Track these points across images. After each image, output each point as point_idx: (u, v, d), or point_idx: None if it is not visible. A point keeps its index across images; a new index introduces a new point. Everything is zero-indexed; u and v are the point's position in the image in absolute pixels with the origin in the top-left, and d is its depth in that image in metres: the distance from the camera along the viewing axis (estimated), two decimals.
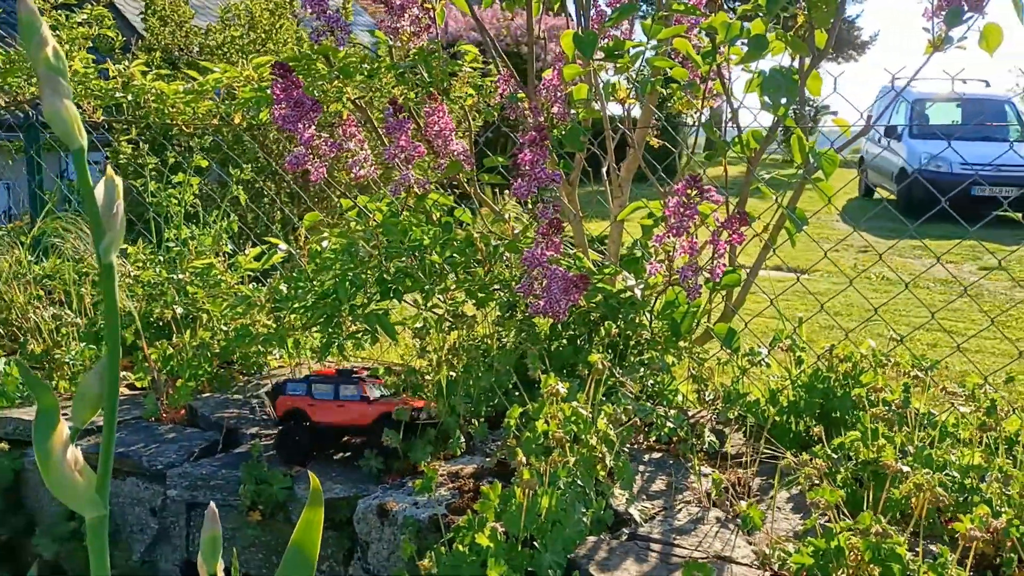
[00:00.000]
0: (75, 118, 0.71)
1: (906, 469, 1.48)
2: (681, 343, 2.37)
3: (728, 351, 2.33)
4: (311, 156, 2.40)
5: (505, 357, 2.20)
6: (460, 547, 1.47)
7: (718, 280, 2.12)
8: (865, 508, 1.60)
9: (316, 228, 2.68)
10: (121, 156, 4.15)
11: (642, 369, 2.25)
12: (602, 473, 1.75)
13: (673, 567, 1.50)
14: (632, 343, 2.33)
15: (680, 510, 1.76)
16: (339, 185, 3.03)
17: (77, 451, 0.75)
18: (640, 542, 1.59)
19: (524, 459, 1.55)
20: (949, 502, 1.44)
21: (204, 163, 3.39)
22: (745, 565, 1.54)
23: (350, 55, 2.66)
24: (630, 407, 2.03)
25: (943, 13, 2.25)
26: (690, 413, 2.30)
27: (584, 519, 1.58)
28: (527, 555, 1.46)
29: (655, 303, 2.34)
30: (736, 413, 2.28)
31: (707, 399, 2.33)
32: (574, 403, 1.86)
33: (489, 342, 2.34)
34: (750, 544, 1.62)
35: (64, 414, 0.68)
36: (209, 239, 3.21)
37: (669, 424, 2.06)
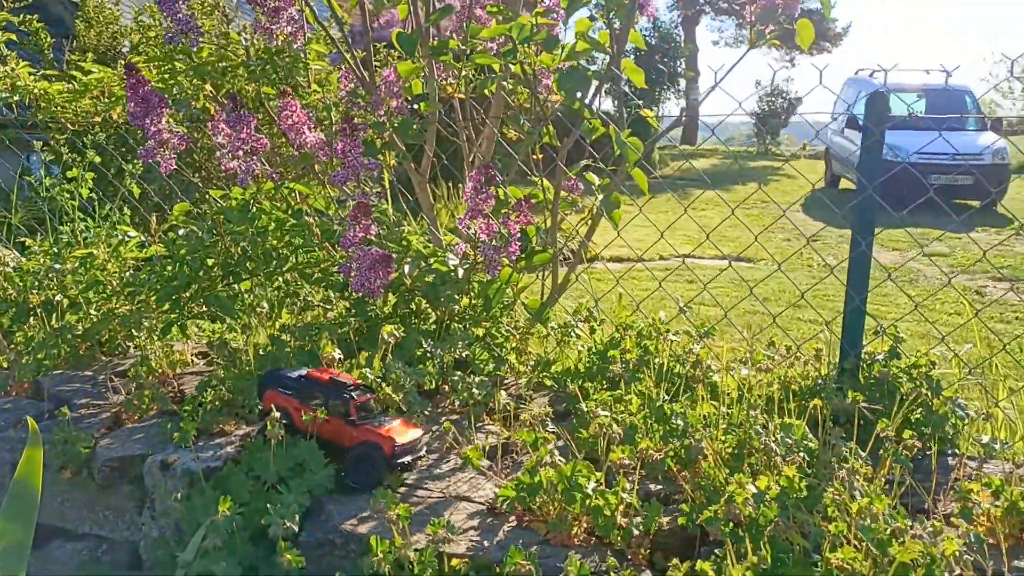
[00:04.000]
0: None
1: (604, 414, 1.68)
2: (503, 318, 2.57)
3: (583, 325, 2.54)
4: (160, 148, 2.58)
5: (330, 330, 2.40)
6: (211, 489, 1.66)
7: (513, 258, 2.31)
8: (600, 454, 1.81)
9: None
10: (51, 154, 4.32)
11: (460, 342, 2.45)
12: None
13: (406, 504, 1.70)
14: (456, 319, 2.53)
15: (449, 462, 1.95)
16: (194, 175, 3.20)
17: None
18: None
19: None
20: (622, 439, 1.64)
21: (98, 159, 3.56)
22: (478, 503, 1.73)
23: (210, 54, 2.84)
24: (433, 372, 2.24)
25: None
26: (508, 381, 2.50)
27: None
28: (269, 495, 1.65)
29: (476, 281, 2.53)
30: (550, 381, 2.49)
31: (524, 368, 2.53)
32: (366, 370, 2.06)
33: (321, 319, 2.53)
34: (497, 488, 1.81)
35: None
36: (103, 232, 3.39)
37: (474, 390, 2.26)
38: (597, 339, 2.41)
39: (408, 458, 1.78)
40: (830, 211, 11.01)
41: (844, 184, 13.84)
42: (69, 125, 3.33)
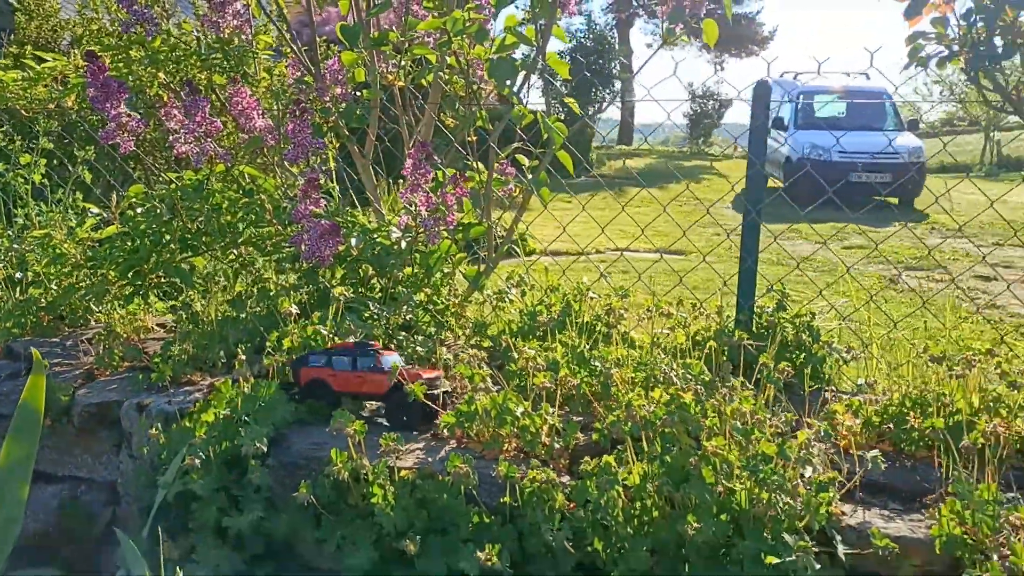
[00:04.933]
0: None
1: (531, 351, 1.96)
2: (443, 286, 2.83)
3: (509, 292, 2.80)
4: (120, 131, 2.76)
5: (286, 294, 2.62)
6: (187, 423, 1.89)
7: (451, 228, 2.57)
8: (529, 391, 2.08)
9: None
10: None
11: (405, 306, 2.70)
12: None
13: None
14: (400, 286, 2.77)
15: None
16: (148, 159, 3.39)
17: None
18: None
19: (244, 360, 1.98)
20: (545, 369, 1.93)
21: (49, 146, 3.71)
22: (423, 434, 1.99)
23: (162, 44, 3.03)
24: (380, 332, 2.49)
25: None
26: (448, 342, 2.75)
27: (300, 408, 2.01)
28: (239, 427, 1.88)
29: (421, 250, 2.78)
30: (487, 342, 2.75)
31: (462, 331, 2.79)
32: (319, 326, 2.30)
33: (273, 287, 2.76)
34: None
35: None
36: (59, 215, 3.54)
37: (417, 347, 2.51)
38: (528, 301, 2.69)
39: (435, 391, 2.02)
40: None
41: (772, 183, 14.41)
42: (23, 112, 3.47)
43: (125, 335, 2.65)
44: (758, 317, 2.40)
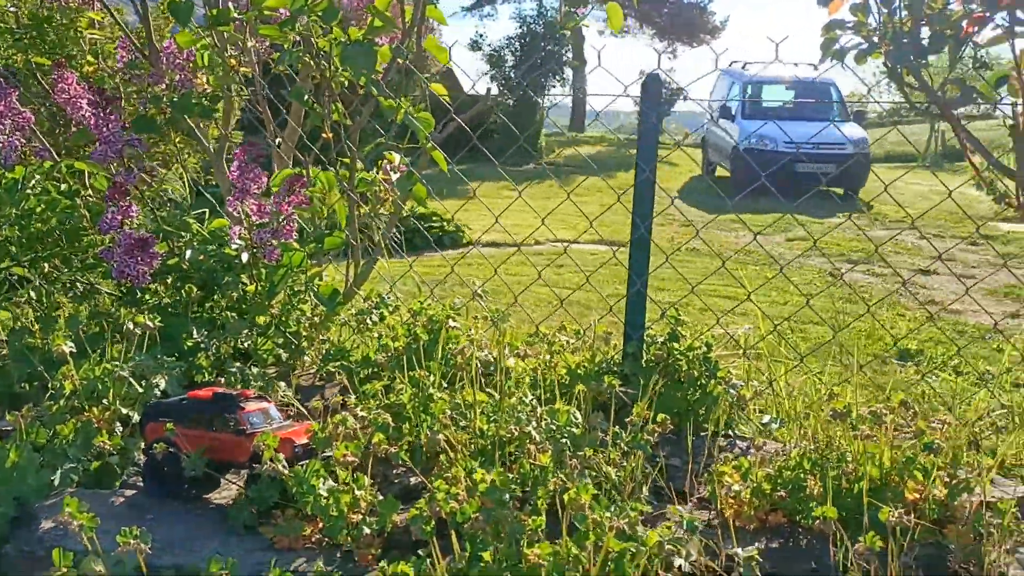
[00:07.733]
0: None
1: (361, 413, 1.59)
2: (300, 304, 2.43)
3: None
4: None
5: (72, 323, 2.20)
6: None
7: (288, 239, 2.18)
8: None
9: None
10: None
11: (242, 331, 2.30)
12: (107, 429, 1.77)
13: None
14: (236, 307, 2.37)
15: None
16: None
17: None
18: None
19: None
20: (353, 436, 1.56)
21: None
22: (215, 504, 1.61)
23: None
24: (206, 364, 2.09)
25: None
26: (301, 372, 2.36)
27: (61, 473, 1.61)
28: None
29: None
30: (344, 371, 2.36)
31: (317, 357, 2.40)
32: (107, 365, 1.89)
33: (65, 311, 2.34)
34: None
35: None
36: None
37: (250, 381, 2.12)
38: (391, 323, 2.31)
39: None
40: (704, 197, 11.38)
41: (720, 172, 14.23)
42: None
43: None
44: (647, 348, 2.05)
